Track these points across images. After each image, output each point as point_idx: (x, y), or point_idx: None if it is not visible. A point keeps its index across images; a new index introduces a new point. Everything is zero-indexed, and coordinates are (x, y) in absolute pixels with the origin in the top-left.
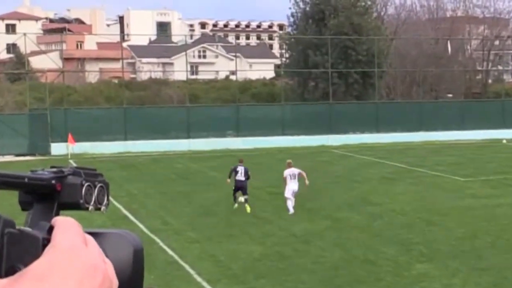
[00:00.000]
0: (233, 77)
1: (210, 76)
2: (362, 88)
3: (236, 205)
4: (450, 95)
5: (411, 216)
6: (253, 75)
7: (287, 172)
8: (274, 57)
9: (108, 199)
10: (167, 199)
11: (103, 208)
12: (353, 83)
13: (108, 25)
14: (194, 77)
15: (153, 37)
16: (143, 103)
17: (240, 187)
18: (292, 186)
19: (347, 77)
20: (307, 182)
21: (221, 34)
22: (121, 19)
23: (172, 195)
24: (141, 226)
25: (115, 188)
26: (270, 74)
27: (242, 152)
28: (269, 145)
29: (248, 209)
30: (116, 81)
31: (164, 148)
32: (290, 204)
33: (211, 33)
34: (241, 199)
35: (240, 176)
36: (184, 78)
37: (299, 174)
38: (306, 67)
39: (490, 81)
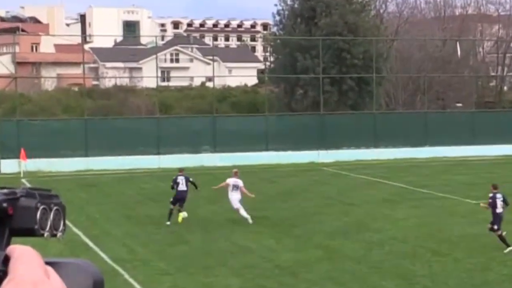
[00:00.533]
0: (209, 84)
1: (184, 82)
2: (358, 97)
3: (169, 222)
4: (460, 105)
5: (415, 244)
6: (233, 81)
7: (231, 181)
8: (257, 61)
9: (64, 224)
10: (134, 224)
11: (59, 234)
12: (348, 91)
13: (67, 25)
14: (165, 84)
15: (119, 39)
16: (107, 114)
17: (180, 198)
18: (235, 196)
19: (340, 83)
20: (251, 195)
21: (197, 35)
22: (82, 17)
23: (140, 220)
24: (103, 255)
25: (74, 212)
26: (252, 80)
27: (219, 170)
28: (250, 162)
29: (180, 218)
30: (76, 88)
31: (131, 166)
32: (244, 212)
33: (185, 34)
34: (183, 214)
35: (182, 186)
36: (154, 85)
37: (241, 188)
38: (293, 72)
39: (505, 88)
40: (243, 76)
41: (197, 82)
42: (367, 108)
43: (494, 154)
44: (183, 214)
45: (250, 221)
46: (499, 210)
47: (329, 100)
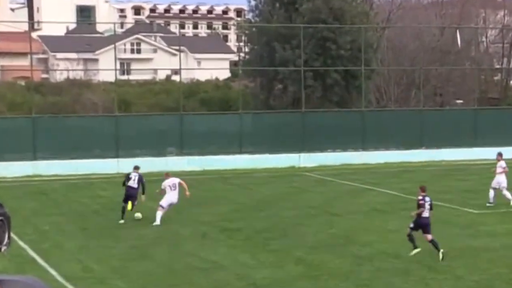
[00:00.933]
0: (176, 78)
1: (146, 76)
2: (345, 92)
3: (122, 220)
4: (460, 102)
5: (408, 260)
6: (202, 75)
7: (167, 182)
8: (230, 52)
9: (9, 237)
10: (89, 237)
11: (3, 248)
12: (333, 86)
13: (12, 10)
14: (125, 77)
15: (72, 26)
16: (58, 112)
17: (130, 196)
18: (171, 197)
19: (325, 77)
20: (187, 193)
21: (161, 22)
22: (29, 1)
23: (96, 232)
24: (53, 272)
25: (20, 223)
26: (224, 74)
27: (187, 175)
28: (222, 167)
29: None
30: (22, 82)
31: (86, 171)
32: (160, 215)
33: (147, 21)
34: (138, 215)
35: (133, 183)
36: (112, 79)
37: (180, 183)
38: (271, 64)
39: (511, 83)
40: (214, 69)
41: (161, 75)
42: (355, 106)
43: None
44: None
45: (157, 223)
46: (425, 214)
47: (311, 96)
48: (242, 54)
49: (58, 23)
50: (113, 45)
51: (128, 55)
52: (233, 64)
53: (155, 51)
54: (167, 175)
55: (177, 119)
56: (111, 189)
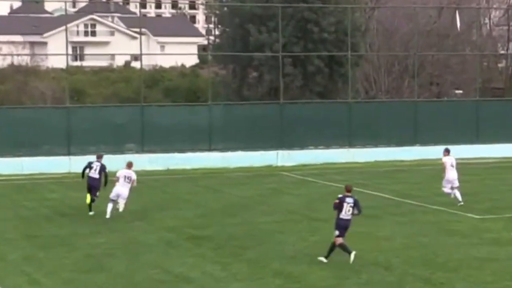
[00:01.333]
0: (136, 64)
1: (102, 62)
2: (329, 81)
3: (92, 212)
4: (459, 92)
5: (402, 271)
6: (167, 61)
7: (123, 172)
8: (198, 35)
9: None
10: (37, 246)
11: None
12: (315, 74)
13: None
14: (78, 63)
15: (17, 4)
16: (1, 102)
17: (92, 186)
18: (120, 189)
19: (306, 64)
20: (134, 184)
21: (119, 0)
22: None
23: (45, 241)
24: None
25: None
26: (191, 60)
27: (148, 175)
28: (189, 166)
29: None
30: None
31: (33, 170)
32: (110, 208)
33: None
34: (119, 206)
35: (94, 173)
36: (63, 66)
37: (132, 181)
38: (245, 49)
39: None
40: (179, 54)
41: (119, 61)
42: (340, 96)
43: (504, 156)
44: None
45: (108, 215)
46: (344, 215)
47: (291, 86)
48: (211, 38)
49: (0, 0)
50: (64, 27)
51: (82, 38)
52: (202, 49)
53: (112, 33)
54: (129, 165)
55: (138, 112)
56: (62, 191)
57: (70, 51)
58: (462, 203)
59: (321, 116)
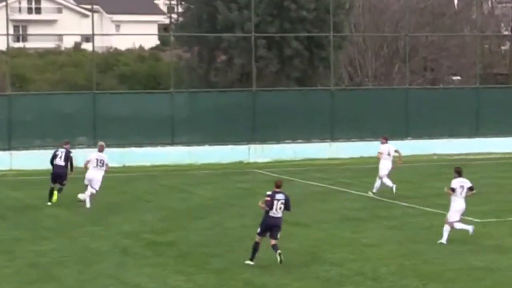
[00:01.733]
0: (87, 46)
1: (48, 44)
2: (309, 66)
3: (50, 203)
4: (457, 78)
5: (391, 282)
6: (122, 42)
7: (95, 156)
8: (158, 12)
9: None
10: None
11: None
12: (293, 57)
13: None
14: (20, 45)
15: None
16: None
17: (57, 176)
18: (93, 174)
19: (282, 46)
20: (107, 168)
21: None
22: None
23: None
24: None
25: None
26: (151, 41)
27: None
28: (148, 162)
29: (55, 198)
30: None
31: None
32: (86, 196)
33: None
34: (81, 196)
35: (60, 161)
36: (4, 47)
37: (106, 165)
38: (213, 29)
39: None
40: (137, 34)
41: (68, 43)
42: (321, 83)
43: (507, 151)
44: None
45: (88, 205)
46: (274, 213)
47: (265, 71)
48: (174, 16)
49: None
50: (4, 3)
51: (24, 16)
52: (163, 28)
53: (59, 10)
54: (101, 147)
55: (89, 100)
56: (2, 191)
57: (11, 31)
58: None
59: (299, 106)
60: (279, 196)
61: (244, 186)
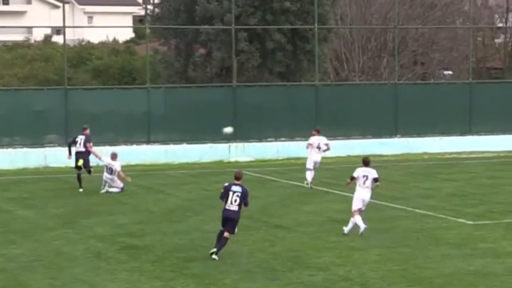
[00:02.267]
0: (58, 39)
1: (17, 36)
2: (292, 60)
3: (81, 189)
4: (449, 73)
5: (380, 287)
6: (96, 35)
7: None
8: (134, 3)
9: None
10: None
11: None
12: (276, 51)
13: None
14: None
15: None
16: None
17: (78, 159)
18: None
19: (264, 39)
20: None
21: None
22: None
23: None
24: None
25: None
26: (126, 34)
27: (74, 172)
28: (123, 161)
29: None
30: None
31: None
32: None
33: None
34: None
35: (80, 147)
36: None
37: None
38: (191, 22)
39: None
40: (111, 27)
41: (38, 36)
42: (306, 78)
43: (501, 149)
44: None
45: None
46: (229, 206)
47: (246, 65)
48: (150, 7)
49: None
50: None
51: None
52: (138, 20)
53: (28, 1)
54: (113, 156)
55: (60, 96)
56: None
57: None
58: (310, 186)
59: (282, 102)
60: (236, 188)
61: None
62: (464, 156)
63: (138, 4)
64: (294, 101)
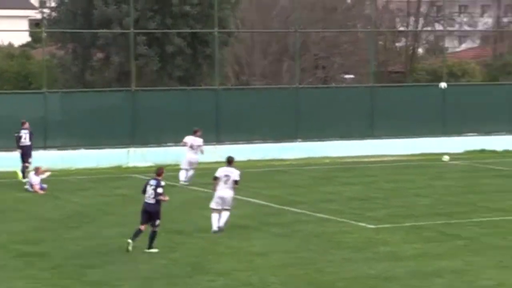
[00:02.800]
0: None
1: None
2: (192, 64)
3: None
4: (350, 77)
5: None
6: None
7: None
8: (30, 7)
9: None
10: None
11: None
12: (175, 55)
13: None
14: None
15: None
16: None
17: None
18: None
19: (163, 43)
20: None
21: None
22: None
23: None
24: None
25: None
26: (22, 37)
27: None
28: (17, 167)
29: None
30: None
31: None
32: None
33: None
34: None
35: (25, 141)
36: None
37: None
38: (88, 25)
39: (420, 51)
40: (6, 30)
41: None
42: (206, 82)
43: (403, 153)
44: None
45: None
46: (147, 199)
47: (145, 70)
48: (46, 11)
49: None
50: None
51: None
52: (34, 24)
53: None
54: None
55: None
56: None
57: None
58: (186, 183)
59: (182, 106)
60: (152, 182)
61: (122, 192)
62: (365, 160)
63: (34, 8)
64: (194, 105)
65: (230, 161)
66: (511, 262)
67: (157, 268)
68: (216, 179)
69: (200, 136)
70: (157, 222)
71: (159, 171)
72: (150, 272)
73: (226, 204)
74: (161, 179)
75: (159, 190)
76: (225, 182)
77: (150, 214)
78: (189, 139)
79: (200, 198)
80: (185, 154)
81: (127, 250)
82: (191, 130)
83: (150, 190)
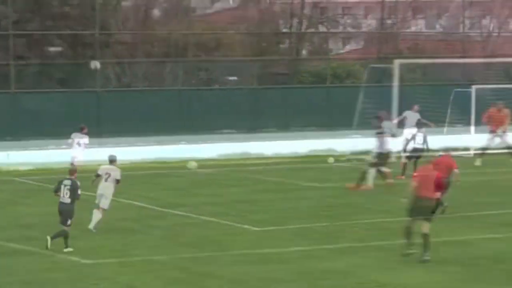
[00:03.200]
0: None
1: None
2: (73, 66)
3: None
4: (233, 79)
5: None
6: None
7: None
8: None
9: None
10: None
11: None
12: (56, 57)
13: None
14: None
15: None
16: None
17: None
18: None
19: (43, 45)
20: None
21: None
22: None
23: None
24: None
25: None
26: None
27: None
28: None
29: None
30: None
31: None
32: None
33: None
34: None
35: None
36: None
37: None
38: None
39: (304, 52)
40: None
41: None
42: (87, 84)
43: (285, 152)
44: None
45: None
46: (62, 199)
47: (25, 72)
48: None
49: None
50: None
51: None
52: None
53: None
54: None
55: None
56: None
57: None
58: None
59: (63, 108)
60: (66, 182)
61: (2, 196)
62: (247, 162)
63: None
64: (75, 107)
65: (112, 161)
66: (395, 263)
67: (37, 270)
68: (98, 176)
69: (86, 133)
70: (69, 221)
71: (71, 171)
72: (32, 277)
73: (107, 203)
74: (75, 179)
75: (79, 191)
76: (106, 180)
77: (63, 212)
78: (74, 135)
79: (84, 201)
80: (71, 150)
81: (47, 247)
82: (72, 133)
83: (65, 190)
